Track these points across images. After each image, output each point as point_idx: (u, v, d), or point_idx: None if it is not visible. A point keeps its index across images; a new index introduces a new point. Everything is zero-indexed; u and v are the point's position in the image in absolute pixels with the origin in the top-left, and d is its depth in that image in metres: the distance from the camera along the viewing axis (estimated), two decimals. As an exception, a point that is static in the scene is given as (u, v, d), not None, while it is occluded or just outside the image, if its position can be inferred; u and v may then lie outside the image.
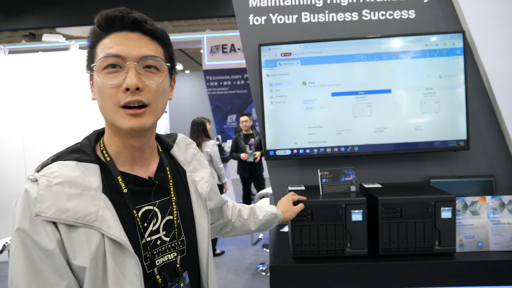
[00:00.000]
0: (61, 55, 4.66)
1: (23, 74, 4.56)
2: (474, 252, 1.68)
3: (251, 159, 5.47)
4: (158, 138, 1.04)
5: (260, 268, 4.28)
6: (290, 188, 1.89)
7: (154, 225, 0.91)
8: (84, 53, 0.91)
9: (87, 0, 6.55)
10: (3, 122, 4.61)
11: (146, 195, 0.92)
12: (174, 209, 0.95)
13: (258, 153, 5.45)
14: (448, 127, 1.99)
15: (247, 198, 5.80)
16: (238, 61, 9.46)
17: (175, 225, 0.95)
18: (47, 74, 4.52)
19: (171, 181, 0.97)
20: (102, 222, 0.81)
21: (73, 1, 6.75)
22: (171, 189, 0.96)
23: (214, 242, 4.63)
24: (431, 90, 1.99)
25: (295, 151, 2.04)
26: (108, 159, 0.90)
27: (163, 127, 7.12)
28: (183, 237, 0.96)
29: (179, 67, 8.61)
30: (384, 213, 1.63)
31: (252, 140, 5.59)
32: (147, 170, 0.95)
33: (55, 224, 0.78)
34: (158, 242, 0.91)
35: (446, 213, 1.61)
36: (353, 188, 1.76)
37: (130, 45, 0.84)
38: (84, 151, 0.88)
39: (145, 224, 0.89)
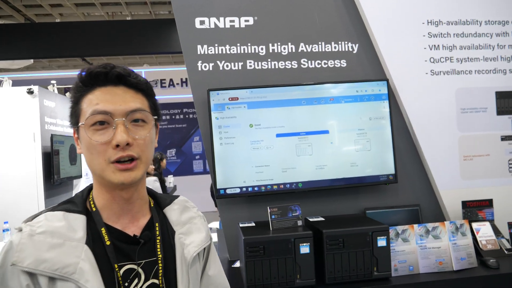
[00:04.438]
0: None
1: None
2: (407, 275, 1.89)
3: None
4: (153, 195, 1.00)
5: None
6: (241, 225, 1.99)
7: (135, 286, 0.85)
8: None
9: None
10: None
11: (130, 253, 0.87)
12: (160, 273, 0.88)
13: None
14: (379, 163, 2.24)
15: None
16: (177, 95, 9.51)
17: None
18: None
19: (159, 238, 0.91)
20: (81, 275, 0.78)
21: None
22: (158, 249, 0.90)
23: None
24: (363, 131, 2.24)
25: (244, 189, 2.16)
26: (94, 209, 0.88)
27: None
28: None
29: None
30: (328, 244, 1.79)
31: None
32: (136, 224, 0.91)
33: (35, 276, 0.76)
34: None
35: (381, 242, 1.80)
36: (299, 223, 1.90)
37: (116, 101, 0.84)
38: (74, 202, 0.88)
39: (126, 284, 0.84)
